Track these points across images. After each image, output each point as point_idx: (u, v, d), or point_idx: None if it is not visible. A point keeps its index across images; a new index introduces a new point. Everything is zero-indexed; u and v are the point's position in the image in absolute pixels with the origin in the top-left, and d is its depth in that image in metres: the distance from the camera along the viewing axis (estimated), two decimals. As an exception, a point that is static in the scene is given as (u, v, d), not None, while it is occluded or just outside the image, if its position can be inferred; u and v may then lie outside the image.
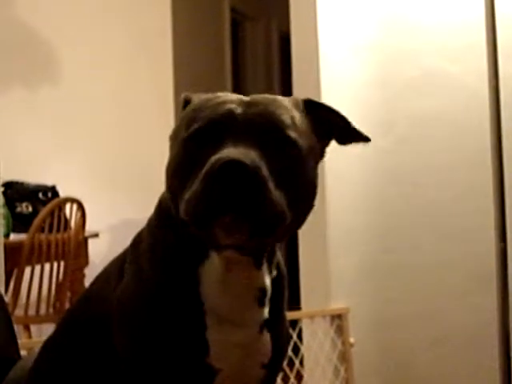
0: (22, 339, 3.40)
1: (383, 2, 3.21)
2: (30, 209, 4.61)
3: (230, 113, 1.17)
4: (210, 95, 1.26)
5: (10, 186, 4.57)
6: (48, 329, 4.12)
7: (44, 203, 4.54)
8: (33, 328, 4.33)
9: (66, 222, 4.40)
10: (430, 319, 3.14)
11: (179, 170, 1.17)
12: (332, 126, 1.29)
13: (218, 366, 1.23)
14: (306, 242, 3.15)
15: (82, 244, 4.57)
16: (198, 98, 1.27)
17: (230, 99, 1.20)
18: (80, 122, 5.15)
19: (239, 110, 1.17)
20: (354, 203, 3.21)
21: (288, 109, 1.21)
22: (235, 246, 1.15)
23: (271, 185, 1.10)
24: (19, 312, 4.16)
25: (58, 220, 4.28)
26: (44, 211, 4.25)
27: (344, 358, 3.14)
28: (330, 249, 3.15)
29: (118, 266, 1.33)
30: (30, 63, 5.20)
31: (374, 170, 3.21)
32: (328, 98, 3.13)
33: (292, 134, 1.16)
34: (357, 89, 3.22)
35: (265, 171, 1.09)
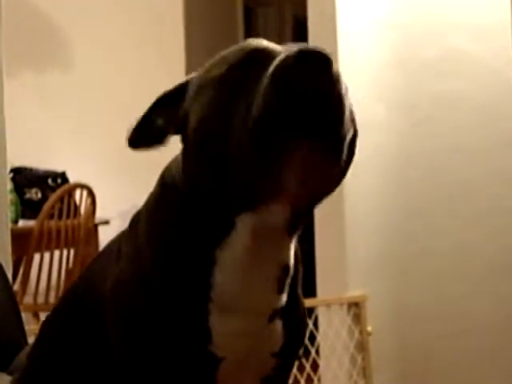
0: (31, 326, 3.34)
1: (402, -20, 3.13)
2: (40, 195, 4.56)
3: (266, 48, 1.03)
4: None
5: (18, 171, 4.54)
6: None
7: (53, 189, 4.50)
8: (42, 315, 4.28)
9: (76, 208, 4.36)
10: (450, 307, 3.07)
11: (219, 111, 1.00)
12: None
13: (222, 355, 1.13)
14: (323, 228, 3.08)
15: (92, 231, 4.52)
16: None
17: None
18: (91, 107, 5.10)
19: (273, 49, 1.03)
20: (372, 187, 3.13)
21: None
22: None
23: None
24: (28, 300, 4.13)
25: (67, 206, 4.24)
26: (53, 197, 4.21)
27: (361, 346, 3.07)
28: (347, 234, 3.07)
29: (114, 249, 1.23)
30: (41, 48, 5.16)
31: (393, 153, 3.13)
32: (347, 80, 3.04)
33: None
34: (377, 70, 3.13)
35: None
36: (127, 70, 5.20)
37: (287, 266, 1.13)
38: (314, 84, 0.89)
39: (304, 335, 1.29)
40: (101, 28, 5.19)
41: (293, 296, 1.21)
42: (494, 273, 2.99)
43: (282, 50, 1.00)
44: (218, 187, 1.04)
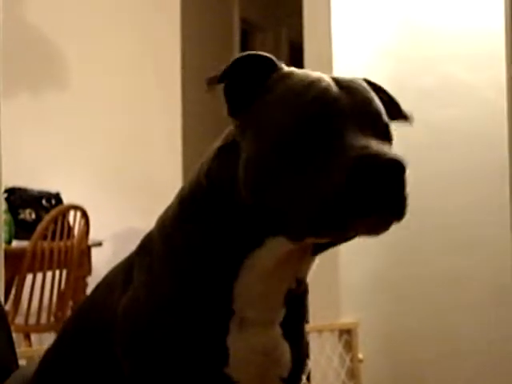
0: (21, 348, 3.33)
1: (399, 9, 3.16)
2: (34, 216, 4.55)
3: (338, 100, 1.10)
4: (300, 75, 1.14)
5: (13, 192, 4.53)
6: (48, 338, 4.05)
7: (47, 210, 4.49)
8: (33, 337, 4.26)
9: (70, 229, 4.35)
10: (442, 334, 3.07)
11: (290, 160, 1.06)
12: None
13: (237, 378, 1.17)
14: (316, 254, 3.08)
15: (85, 252, 4.50)
16: (286, 79, 1.15)
17: (328, 83, 1.12)
18: (85, 128, 5.10)
19: (344, 99, 1.10)
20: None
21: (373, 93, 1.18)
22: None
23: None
24: (20, 320, 4.11)
25: (61, 227, 4.23)
26: (47, 218, 4.20)
27: (353, 374, 3.07)
28: (339, 261, 3.07)
29: (123, 273, 1.24)
30: (37, 68, 5.17)
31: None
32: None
33: (386, 119, 1.18)
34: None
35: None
36: (123, 92, 5.21)
37: (302, 280, 1.20)
38: (390, 182, 1.06)
39: (307, 362, 1.33)
40: (97, 49, 5.20)
41: (299, 321, 1.25)
42: (488, 297, 2.99)
43: (350, 109, 1.10)
44: (273, 215, 1.10)
